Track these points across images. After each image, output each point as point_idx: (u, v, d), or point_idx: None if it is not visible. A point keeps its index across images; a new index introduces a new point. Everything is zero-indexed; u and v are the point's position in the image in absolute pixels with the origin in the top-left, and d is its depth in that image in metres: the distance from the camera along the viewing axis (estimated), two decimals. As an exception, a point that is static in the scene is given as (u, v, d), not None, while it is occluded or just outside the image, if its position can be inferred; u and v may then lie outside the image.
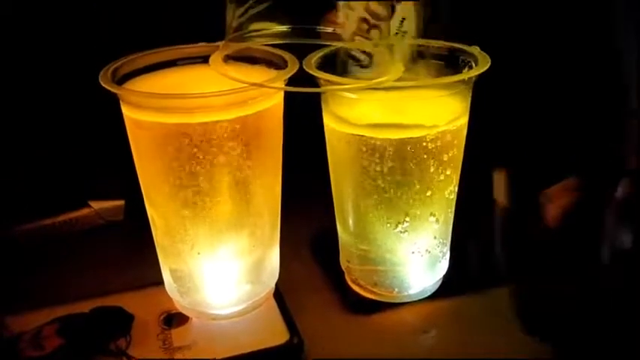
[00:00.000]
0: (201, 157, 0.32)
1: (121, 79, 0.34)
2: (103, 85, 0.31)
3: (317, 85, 0.34)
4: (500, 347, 0.35)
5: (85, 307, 0.38)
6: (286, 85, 0.32)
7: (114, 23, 0.47)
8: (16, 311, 0.37)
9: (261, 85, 0.30)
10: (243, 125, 0.32)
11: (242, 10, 0.37)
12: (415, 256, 0.37)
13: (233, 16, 0.36)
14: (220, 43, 0.35)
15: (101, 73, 0.32)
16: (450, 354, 0.35)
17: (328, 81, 0.33)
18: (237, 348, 0.34)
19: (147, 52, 0.36)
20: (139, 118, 0.32)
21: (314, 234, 0.46)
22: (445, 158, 0.34)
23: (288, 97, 0.35)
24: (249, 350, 0.34)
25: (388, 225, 0.35)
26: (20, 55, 0.46)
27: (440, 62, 0.37)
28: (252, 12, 0.36)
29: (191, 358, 0.34)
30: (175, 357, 0.34)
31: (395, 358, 0.35)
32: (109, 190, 0.48)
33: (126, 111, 0.32)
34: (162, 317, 0.37)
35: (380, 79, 0.32)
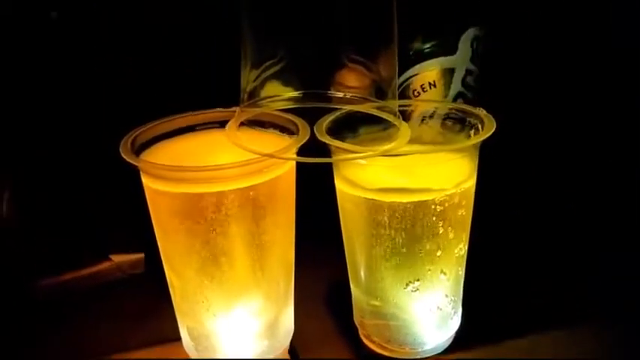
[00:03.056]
0: (216, 224, 0.33)
1: (141, 147, 0.35)
2: (124, 156, 0.32)
3: (329, 150, 0.35)
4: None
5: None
6: (298, 152, 0.33)
7: (133, 87, 0.49)
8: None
9: (272, 156, 0.32)
10: (257, 192, 0.33)
11: (255, 74, 0.39)
12: (427, 313, 0.37)
13: (247, 80, 0.38)
14: (235, 109, 0.37)
15: (121, 143, 0.34)
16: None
17: (339, 147, 0.34)
18: None
19: (164, 119, 0.37)
20: (157, 188, 0.33)
21: (329, 290, 0.46)
22: (454, 219, 0.35)
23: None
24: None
25: (399, 283, 0.36)
26: (45, 109, 0.49)
27: (447, 122, 0.38)
28: (264, 76, 0.37)
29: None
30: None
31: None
32: (128, 243, 0.49)
33: (144, 180, 0.34)
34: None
35: (388, 147, 0.33)
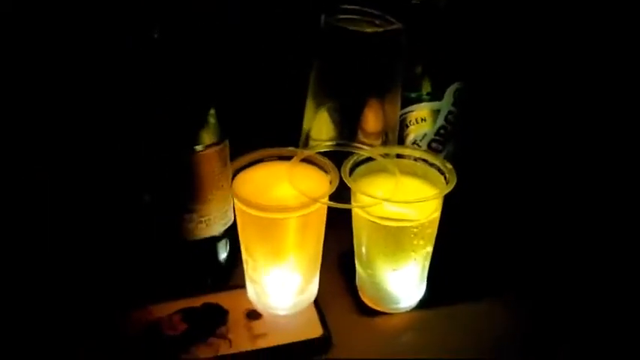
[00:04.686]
0: (273, 233, 0.54)
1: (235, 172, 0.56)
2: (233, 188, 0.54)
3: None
4: (451, 347, 0.58)
5: (197, 302, 0.60)
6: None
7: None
8: (154, 301, 0.59)
9: (316, 200, 0.53)
10: (304, 217, 0.54)
11: (311, 116, 0.59)
12: (402, 285, 0.59)
13: (306, 123, 0.58)
14: (292, 149, 0.58)
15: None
16: (418, 348, 0.58)
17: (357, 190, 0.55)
18: (292, 337, 0.55)
19: (248, 154, 0.58)
20: (242, 208, 0.54)
21: (341, 263, 0.66)
22: (424, 235, 0.57)
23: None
24: (300, 339, 0.56)
25: (386, 269, 0.58)
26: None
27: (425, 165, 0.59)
28: (316, 119, 0.58)
29: (267, 344, 0.57)
30: (258, 341, 0.57)
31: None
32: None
33: (235, 201, 0.55)
34: (245, 312, 0.60)
35: (388, 198, 0.54)
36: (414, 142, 0.68)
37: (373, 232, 0.56)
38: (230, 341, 0.56)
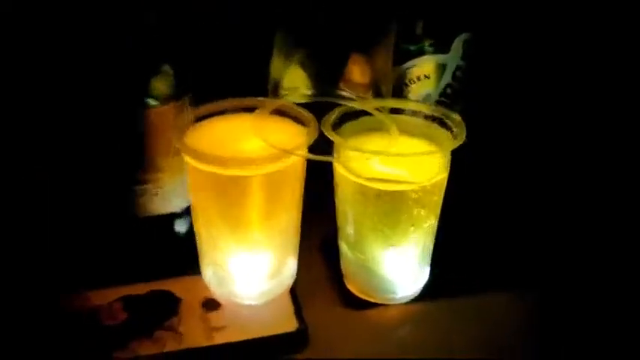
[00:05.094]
0: (239, 195, 0.43)
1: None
2: (173, 137, 0.42)
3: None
4: (456, 346, 0.46)
5: (143, 289, 0.49)
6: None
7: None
8: (94, 287, 0.49)
9: (289, 152, 0.41)
10: (273, 175, 0.42)
11: (280, 66, 0.48)
12: (398, 270, 0.48)
13: (275, 70, 0.47)
14: (261, 99, 0.46)
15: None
16: (415, 347, 0.47)
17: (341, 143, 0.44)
18: (259, 331, 0.45)
19: (208, 104, 0.47)
20: (194, 165, 0.43)
21: (323, 246, 0.57)
22: (426, 204, 0.45)
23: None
24: (268, 334, 0.45)
25: (378, 247, 0.47)
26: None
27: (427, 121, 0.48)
28: (291, 65, 0.47)
29: (225, 339, 0.45)
30: (214, 335, 0.45)
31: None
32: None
33: (186, 157, 0.43)
34: (202, 302, 0.49)
35: (380, 151, 0.42)
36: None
37: (361, 200, 0.44)
38: (180, 335, 0.44)
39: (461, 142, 0.43)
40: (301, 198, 0.47)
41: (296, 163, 0.44)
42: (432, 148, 0.46)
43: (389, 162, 0.44)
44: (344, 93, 0.47)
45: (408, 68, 0.57)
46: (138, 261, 0.52)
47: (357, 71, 0.51)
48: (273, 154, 0.41)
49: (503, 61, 0.64)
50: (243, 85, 0.49)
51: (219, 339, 0.45)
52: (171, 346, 0.44)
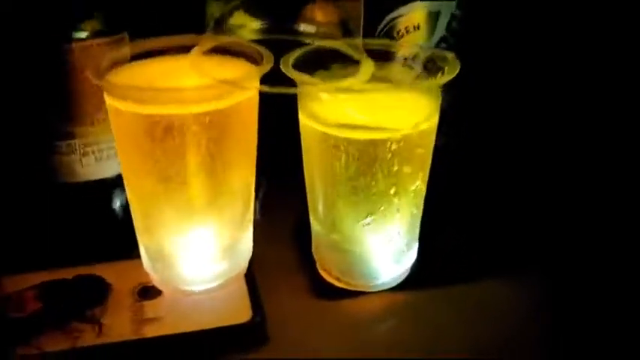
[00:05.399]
0: (174, 145, 0.33)
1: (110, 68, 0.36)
2: (91, 79, 0.33)
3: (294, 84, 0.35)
4: (450, 344, 0.37)
5: (68, 274, 0.40)
6: (262, 82, 0.34)
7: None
8: (8, 272, 0.40)
9: (233, 84, 0.32)
10: (216, 117, 0.33)
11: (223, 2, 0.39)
12: (379, 247, 0.38)
13: (215, 8, 0.38)
14: (207, 36, 0.37)
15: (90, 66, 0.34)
16: (402, 345, 0.37)
17: (303, 81, 0.34)
18: (202, 323, 0.36)
19: (136, 41, 0.38)
20: (119, 107, 0.33)
21: (290, 223, 0.47)
22: (410, 158, 0.35)
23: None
24: (213, 326, 0.36)
25: (354, 218, 0.37)
26: None
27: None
28: (233, 4, 0.37)
29: (157, 332, 0.36)
30: (144, 328, 0.36)
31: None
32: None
33: (108, 100, 0.34)
34: (137, 289, 0.39)
35: (348, 81, 0.33)
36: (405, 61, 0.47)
37: (329, 156, 0.35)
38: (101, 327, 0.35)
39: (453, 75, 0.34)
40: (254, 153, 0.37)
41: (245, 105, 0.34)
42: (422, 101, 0.36)
43: (363, 105, 0.35)
44: (305, 29, 0.38)
45: (393, 18, 0.48)
46: (64, 239, 0.43)
47: (320, 9, 0.41)
48: (214, 88, 0.32)
49: (507, 10, 0.54)
50: (189, 23, 0.40)
51: (149, 332, 0.36)
52: (87, 340, 0.35)
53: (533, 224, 0.48)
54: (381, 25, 0.48)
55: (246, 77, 0.33)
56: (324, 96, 0.35)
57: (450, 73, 0.34)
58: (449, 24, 0.48)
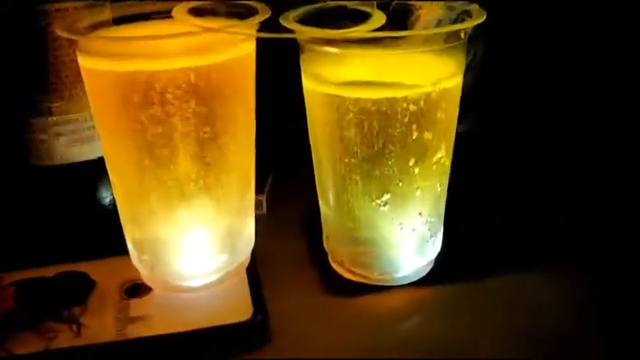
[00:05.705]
0: (156, 110, 0.29)
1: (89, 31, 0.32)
2: (59, 33, 0.29)
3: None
4: (479, 344, 0.31)
5: (51, 271, 0.36)
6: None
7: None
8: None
9: (226, 31, 0.27)
10: (207, 76, 0.29)
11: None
12: (397, 233, 0.33)
13: None
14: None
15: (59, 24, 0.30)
16: (427, 346, 0.31)
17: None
18: (195, 323, 0.31)
19: (118, 3, 0.34)
20: (93, 68, 0.29)
21: (300, 212, 0.42)
22: (431, 123, 0.30)
23: (265, 56, 0.32)
24: (205, 326, 0.31)
25: (367, 197, 0.32)
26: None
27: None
28: None
29: (143, 332, 0.31)
30: (127, 328, 0.31)
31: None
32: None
33: (81, 60, 0.30)
34: (125, 286, 0.35)
35: (358, 29, 0.28)
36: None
37: (336, 123, 0.30)
38: (79, 327, 0.30)
39: (479, 21, 0.29)
40: (253, 123, 0.33)
41: (240, 61, 0.30)
42: (445, 63, 0.31)
43: (375, 62, 0.30)
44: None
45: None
46: (49, 233, 0.38)
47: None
48: (198, 33, 0.28)
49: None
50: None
51: (133, 332, 0.31)
52: (62, 341, 0.31)
53: (568, 213, 0.42)
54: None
55: (238, 25, 0.28)
56: (329, 52, 0.30)
57: (477, 18, 0.29)
58: None
